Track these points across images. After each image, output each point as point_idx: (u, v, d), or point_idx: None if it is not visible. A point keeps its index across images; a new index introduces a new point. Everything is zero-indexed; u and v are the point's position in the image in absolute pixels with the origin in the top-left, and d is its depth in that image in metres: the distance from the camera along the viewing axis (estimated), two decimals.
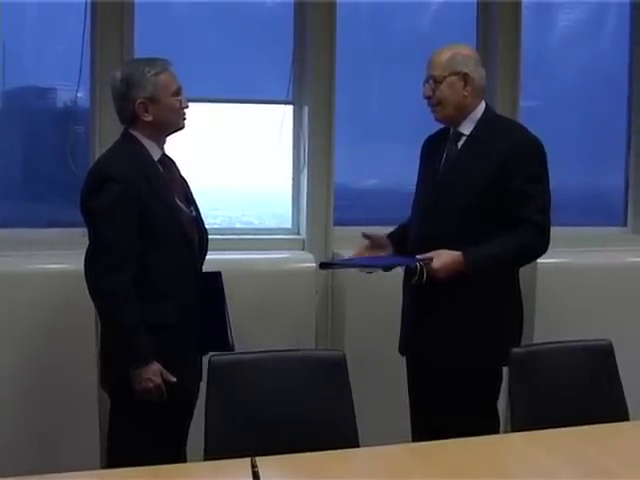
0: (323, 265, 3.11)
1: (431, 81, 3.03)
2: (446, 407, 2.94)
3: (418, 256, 2.88)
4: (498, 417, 3.06)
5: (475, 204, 2.94)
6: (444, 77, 3.01)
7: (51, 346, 3.40)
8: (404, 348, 3.17)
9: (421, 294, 2.95)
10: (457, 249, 2.87)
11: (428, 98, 3.05)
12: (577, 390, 2.68)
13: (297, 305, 3.69)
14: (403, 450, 2.37)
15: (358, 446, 2.42)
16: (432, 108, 3.07)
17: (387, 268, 3.03)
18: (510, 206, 2.92)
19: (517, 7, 4.08)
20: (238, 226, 4.18)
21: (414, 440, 3.02)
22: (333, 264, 3.09)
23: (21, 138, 3.80)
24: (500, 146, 2.96)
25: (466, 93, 3.02)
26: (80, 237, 3.18)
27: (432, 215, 3.02)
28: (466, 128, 3.04)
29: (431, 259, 2.84)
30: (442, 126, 3.16)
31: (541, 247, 2.99)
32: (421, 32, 4.20)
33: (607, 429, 2.46)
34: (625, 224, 4.51)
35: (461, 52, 3.06)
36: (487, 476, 2.09)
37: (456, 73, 3.01)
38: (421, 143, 3.25)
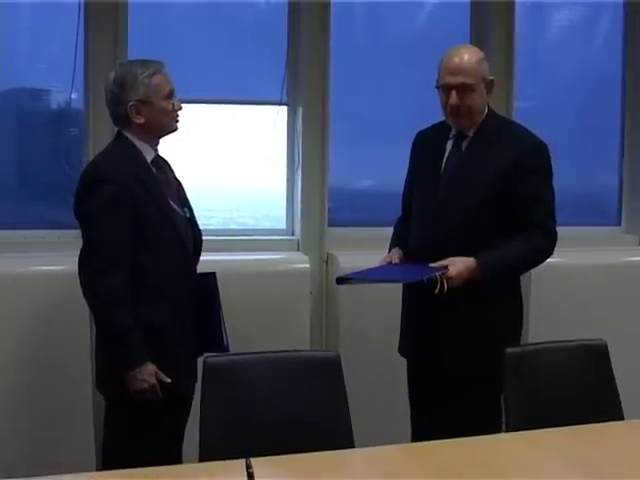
0: (339, 280, 2.90)
1: (456, 89, 2.84)
2: (450, 406, 2.89)
3: (432, 265, 2.80)
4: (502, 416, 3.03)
5: (485, 207, 2.88)
6: (477, 85, 2.87)
7: (46, 348, 3.39)
8: (407, 351, 3.10)
9: (427, 299, 2.84)
10: (467, 253, 2.82)
11: (455, 107, 2.87)
12: (571, 390, 2.68)
13: (292, 306, 3.69)
14: (398, 450, 2.37)
15: (353, 447, 2.42)
16: (455, 117, 2.91)
17: (408, 282, 2.89)
18: (521, 210, 2.88)
19: (511, 6, 4.09)
20: (232, 227, 4.17)
21: (414, 439, 2.99)
22: (350, 279, 2.91)
23: (15, 139, 3.79)
24: (510, 148, 2.90)
25: (489, 99, 2.94)
26: (74, 239, 3.17)
27: (440, 218, 2.92)
28: (470, 129, 2.96)
29: (446, 267, 2.77)
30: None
31: (550, 251, 2.96)
32: (415, 32, 4.20)
33: (602, 429, 2.46)
34: (619, 224, 4.53)
35: (482, 56, 2.91)
36: (482, 476, 2.09)
37: (484, 79, 2.90)
38: None
